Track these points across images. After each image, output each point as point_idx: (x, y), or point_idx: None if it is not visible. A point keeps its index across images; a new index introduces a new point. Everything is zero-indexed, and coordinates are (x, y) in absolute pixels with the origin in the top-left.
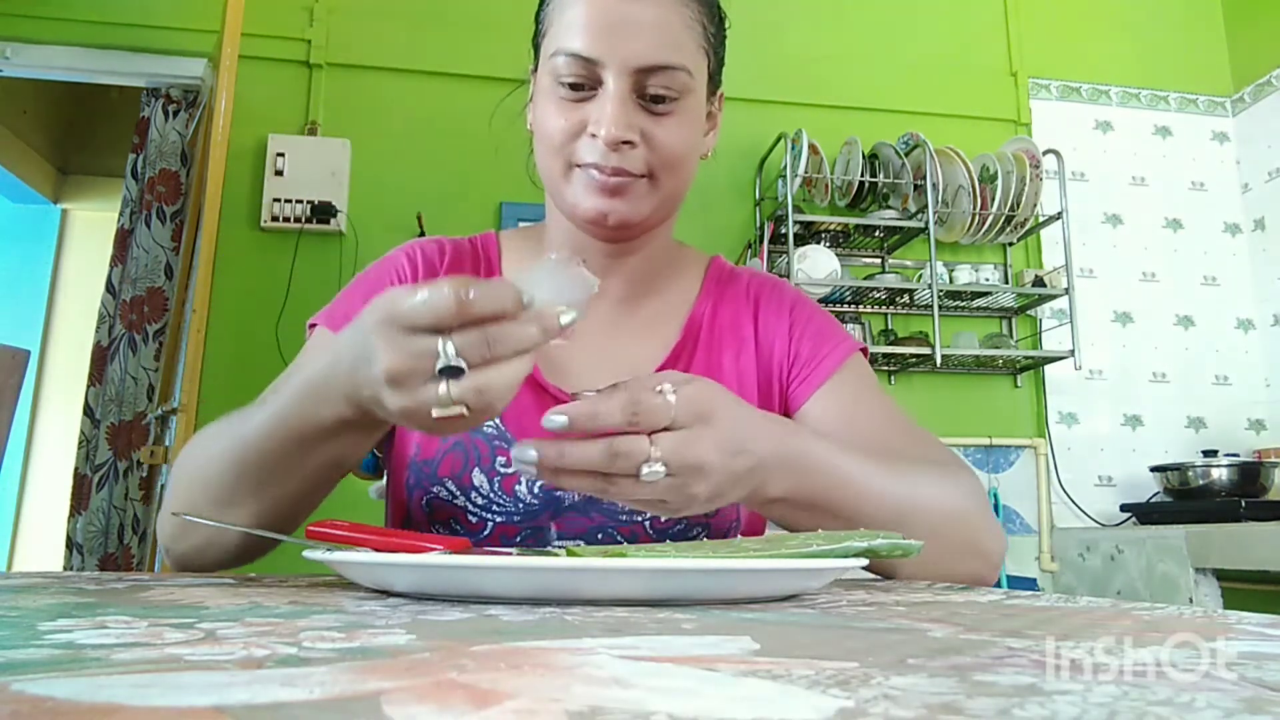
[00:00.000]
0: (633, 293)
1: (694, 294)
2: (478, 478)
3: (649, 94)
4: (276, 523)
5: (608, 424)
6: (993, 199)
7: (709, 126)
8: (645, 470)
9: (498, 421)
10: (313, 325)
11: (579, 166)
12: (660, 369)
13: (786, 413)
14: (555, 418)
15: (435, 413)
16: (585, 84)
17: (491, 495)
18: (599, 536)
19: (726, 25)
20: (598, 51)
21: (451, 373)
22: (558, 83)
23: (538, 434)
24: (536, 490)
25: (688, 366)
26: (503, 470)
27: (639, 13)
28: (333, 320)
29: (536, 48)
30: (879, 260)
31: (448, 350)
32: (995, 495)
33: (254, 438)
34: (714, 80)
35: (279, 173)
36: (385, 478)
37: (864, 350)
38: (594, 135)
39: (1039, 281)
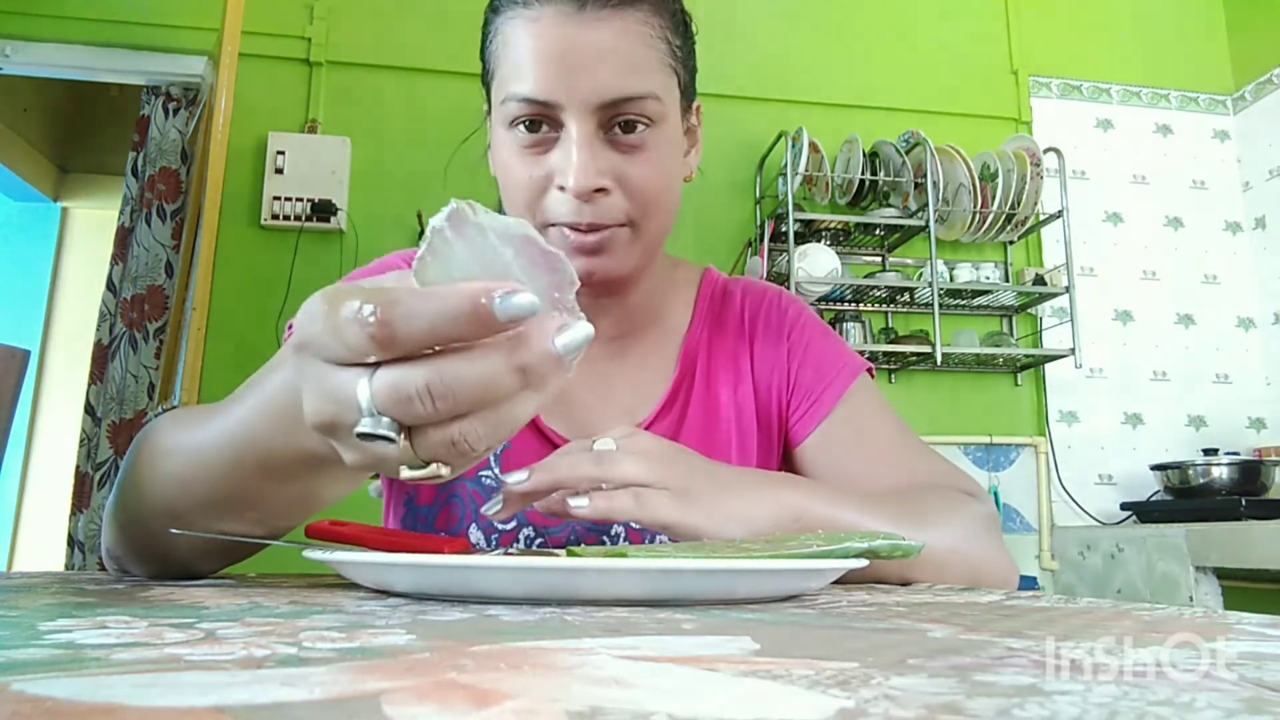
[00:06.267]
0: (627, 329)
1: (687, 319)
2: (474, 534)
3: (617, 126)
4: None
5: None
6: (993, 197)
7: (689, 144)
8: (597, 444)
9: (497, 472)
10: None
11: (552, 225)
12: (660, 407)
13: (789, 446)
14: (514, 478)
15: (404, 474)
16: (544, 124)
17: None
18: None
19: (694, 31)
20: (552, 92)
21: (377, 438)
22: (513, 129)
23: None
24: (535, 548)
25: (687, 402)
26: (501, 527)
27: (593, 40)
28: None
29: (487, 88)
30: (879, 258)
31: (364, 402)
32: (996, 494)
33: (209, 457)
34: (686, 95)
35: (279, 171)
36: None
37: (870, 369)
38: (562, 188)
39: (1039, 280)
